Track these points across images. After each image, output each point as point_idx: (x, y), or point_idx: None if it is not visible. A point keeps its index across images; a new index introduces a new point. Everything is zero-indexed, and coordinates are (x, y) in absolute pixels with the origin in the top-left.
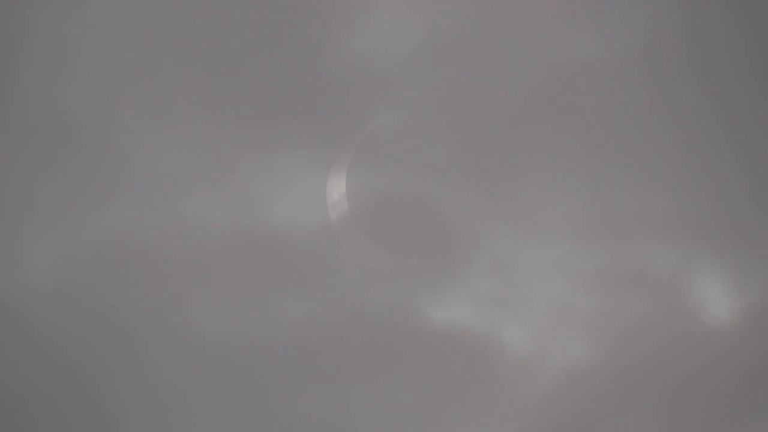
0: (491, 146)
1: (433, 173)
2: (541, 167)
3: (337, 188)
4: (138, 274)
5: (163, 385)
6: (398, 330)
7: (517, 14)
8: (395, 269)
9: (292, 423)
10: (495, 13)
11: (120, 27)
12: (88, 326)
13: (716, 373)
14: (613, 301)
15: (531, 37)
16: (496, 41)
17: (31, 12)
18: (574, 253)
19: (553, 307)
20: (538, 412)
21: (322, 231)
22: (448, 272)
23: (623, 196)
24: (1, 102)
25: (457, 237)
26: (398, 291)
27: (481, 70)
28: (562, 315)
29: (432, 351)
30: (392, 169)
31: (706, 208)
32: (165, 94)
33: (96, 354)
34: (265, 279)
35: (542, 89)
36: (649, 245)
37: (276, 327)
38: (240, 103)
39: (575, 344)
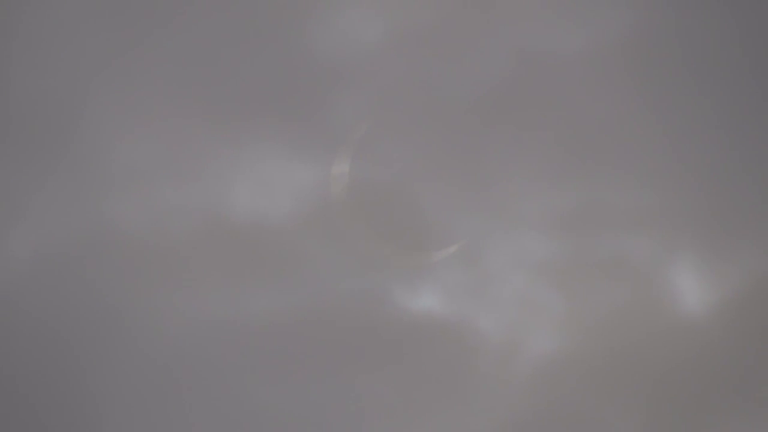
0: (464, 138)
1: (405, 165)
2: (516, 158)
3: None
4: (113, 264)
5: (138, 372)
6: (372, 320)
7: (492, 4)
8: (368, 259)
9: (265, 411)
10: (469, 2)
11: (90, 20)
12: (67, 314)
13: (691, 363)
14: (588, 292)
15: (504, 27)
16: (469, 32)
17: (1, 7)
18: (548, 244)
19: (527, 298)
20: (513, 401)
21: (294, 221)
22: (421, 263)
23: (598, 187)
24: None
25: (430, 227)
26: (371, 281)
27: (453, 61)
28: (536, 306)
29: (406, 341)
30: (363, 161)
31: (681, 200)
32: (136, 87)
33: (73, 341)
34: (239, 269)
35: (515, 80)
36: (625, 237)
37: (249, 316)
38: (211, 94)
39: (550, 335)
